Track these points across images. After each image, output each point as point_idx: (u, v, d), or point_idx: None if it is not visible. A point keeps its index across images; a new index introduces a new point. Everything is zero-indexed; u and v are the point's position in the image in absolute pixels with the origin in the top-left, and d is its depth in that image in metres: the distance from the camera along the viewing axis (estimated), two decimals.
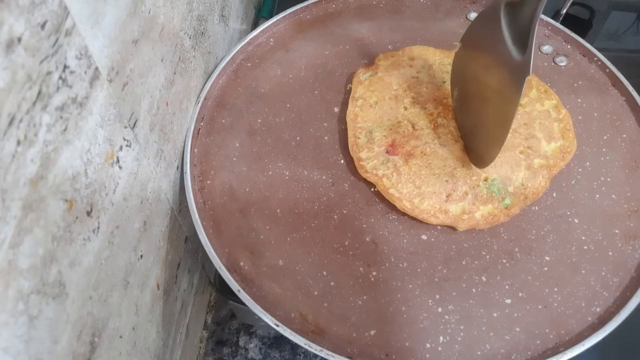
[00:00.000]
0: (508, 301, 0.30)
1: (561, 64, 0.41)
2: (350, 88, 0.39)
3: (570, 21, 0.59)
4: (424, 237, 0.33)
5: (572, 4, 0.56)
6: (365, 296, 0.31)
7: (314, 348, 0.29)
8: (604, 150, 0.37)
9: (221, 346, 0.48)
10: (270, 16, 0.52)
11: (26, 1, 0.16)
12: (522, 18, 0.29)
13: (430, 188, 0.33)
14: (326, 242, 0.32)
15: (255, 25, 0.57)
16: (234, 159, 0.36)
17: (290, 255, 0.32)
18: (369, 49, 0.42)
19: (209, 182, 0.35)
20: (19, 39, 0.16)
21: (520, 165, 0.34)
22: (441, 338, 0.30)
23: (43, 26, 0.18)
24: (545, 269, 0.32)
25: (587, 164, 0.36)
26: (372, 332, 0.30)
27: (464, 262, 0.32)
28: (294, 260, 0.32)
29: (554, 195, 0.34)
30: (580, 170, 0.36)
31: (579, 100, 0.39)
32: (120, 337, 0.27)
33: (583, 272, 0.31)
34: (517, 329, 0.30)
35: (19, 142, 0.17)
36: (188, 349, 0.43)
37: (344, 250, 0.32)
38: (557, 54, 0.42)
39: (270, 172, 0.35)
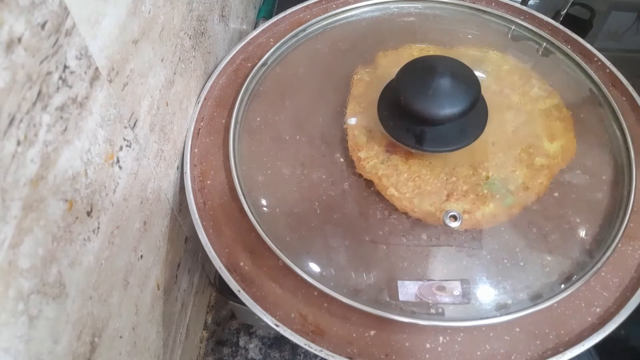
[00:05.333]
0: (508, 301, 0.30)
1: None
2: (350, 87, 0.39)
3: (570, 21, 0.59)
4: (424, 237, 0.33)
5: (572, 4, 0.56)
6: (365, 296, 0.31)
7: (314, 348, 0.29)
8: (604, 149, 0.37)
9: (221, 346, 0.48)
10: (270, 16, 0.52)
11: (26, 1, 0.16)
12: None
13: (430, 187, 0.33)
14: (325, 242, 0.32)
15: (255, 25, 0.57)
16: (234, 158, 0.36)
17: (290, 255, 0.32)
18: (369, 48, 0.42)
19: (209, 182, 0.35)
20: (19, 39, 0.16)
21: (521, 164, 0.34)
22: (441, 338, 0.30)
23: (43, 26, 0.18)
24: (547, 269, 0.32)
25: (588, 163, 0.36)
26: (372, 332, 0.30)
27: (464, 262, 0.32)
28: (294, 260, 0.32)
29: (555, 194, 0.34)
30: (581, 169, 0.36)
31: (580, 100, 0.39)
32: (121, 337, 0.27)
33: (583, 272, 0.31)
34: (517, 329, 0.30)
35: (19, 142, 0.17)
36: (188, 349, 0.43)
37: (344, 250, 0.32)
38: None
39: (269, 172, 0.35)
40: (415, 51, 0.40)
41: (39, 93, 0.18)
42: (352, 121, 0.36)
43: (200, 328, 0.48)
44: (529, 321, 0.30)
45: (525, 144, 0.35)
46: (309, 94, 0.39)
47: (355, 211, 0.34)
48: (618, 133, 0.37)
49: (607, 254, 0.32)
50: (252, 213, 0.33)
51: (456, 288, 0.31)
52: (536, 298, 0.30)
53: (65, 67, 0.19)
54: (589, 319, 0.30)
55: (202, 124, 0.37)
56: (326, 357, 0.28)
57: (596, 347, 0.29)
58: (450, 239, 0.33)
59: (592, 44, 0.42)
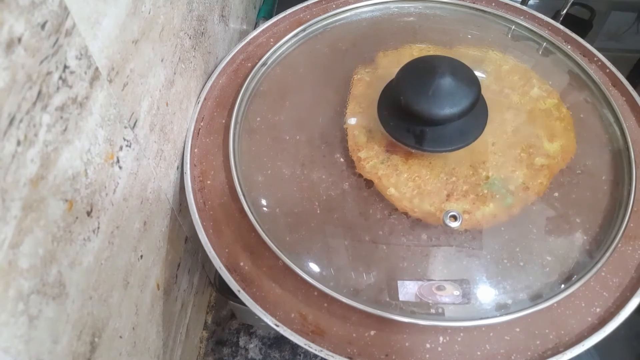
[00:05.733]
0: (508, 301, 0.30)
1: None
2: (350, 87, 0.39)
3: (570, 21, 0.59)
4: (424, 237, 0.33)
5: (572, 4, 0.56)
6: (365, 296, 0.31)
7: (313, 348, 0.29)
8: (604, 149, 0.37)
9: (221, 346, 0.48)
10: (270, 16, 0.52)
11: (26, 1, 0.16)
12: None
13: (430, 187, 0.33)
14: (325, 242, 0.32)
15: (255, 25, 0.57)
16: (234, 158, 0.36)
17: (290, 255, 0.32)
18: (369, 48, 0.42)
19: (209, 182, 0.35)
20: (19, 39, 0.16)
21: (521, 164, 0.34)
22: (441, 338, 0.30)
23: (43, 26, 0.18)
24: (547, 269, 0.32)
25: (588, 163, 0.36)
26: (372, 332, 0.30)
27: (464, 262, 0.32)
28: (294, 260, 0.32)
29: (555, 194, 0.34)
30: (581, 169, 0.36)
31: (580, 100, 0.39)
32: (121, 337, 0.27)
33: (583, 272, 0.31)
34: (517, 329, 0.30)
35: (19, 142, 0.17)
36: (188, 349, 0.43)
37: (344, 250, 0.32)
38: None
39: (269, 172, 0.35)
40: (415, 51, 0.40)
41: (39, 93, 0.18)
42: (352, 121, 0.36)
43: (200, 328, 0.48)
44: (529, 321, 0.30)
45: (525, 144, 0.35)
46: (309, 94, 0.39)
47: (355, 211, 0.34)
48: (618, 133, 0.37)
49: (607, 254, 0.32)
50: (252, 213, 0.33)
51: (456, 288, 0.31)
52: (536, 298, 0.30)
53: (65, 67, 0.19)
54: (589, 319, 0.30)
55: (202, 124, 0.37)
56: (326, 357, 0.28)
57: (596, 347, 0.29)
58: (450, 239, 0.33)
59: (592, 44, 0.42)
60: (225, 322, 0.50)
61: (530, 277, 0.31)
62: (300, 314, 0.30)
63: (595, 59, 0.42)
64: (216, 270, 0.31)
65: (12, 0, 0.16)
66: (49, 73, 0.18)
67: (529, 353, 0.29)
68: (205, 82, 0.39)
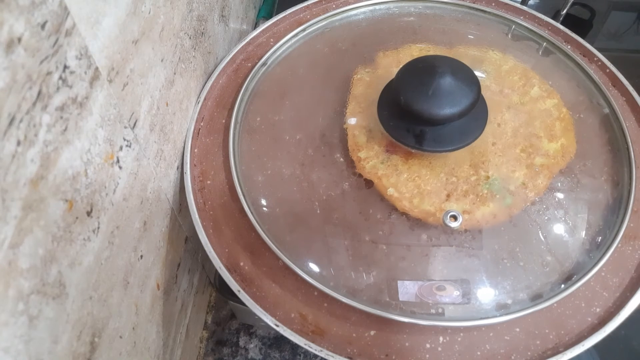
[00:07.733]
0: (508, 301, 0.30)
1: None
2: (350, 87, 0.39)
3: (570, 21, 0.59)
4: (424, 237, 0.33)
5: (572, 4, 0.57)
6: (365, 296, 0.31)
7: (313, 348, 0.29)
8: (604, 149, 0.37)
9: (221, 346, 0.48)
10: (270, 16, 0.52)
11: (26, 1, 0.16)
12: None
13: (430, 187, 0.33)
14: (325, 242, 0.32)
15: (255, 25, 0.57)
16: (234, 158, 0.36)
17: (290, 255, 0.32)
18: (369, 48, 0.42)
19: (209, 182, 0.35)
20: (19, 39, 0.16)
21: (521, 164, 0.34)
22: (441, 338, 0.30)
23: (43, 26, 0.18)
24: (547, 269, 0.32)
25: (588, 163, 0.36)
26: (372, 332, 0.30)
27: (464, 262, 0.32)
28: (294, 260, 0.32)
29: (555, 194, 0.34)
30: (581, 169, 0.36)
31: (580, 100, 0.39)
32: (120, 337, 0.27)
33: (583, 272, 0.31)
34: (517, 329, 0.30)
35: (19, 142, 0.17)
36: (188, 349, 0.43)
37: (344, 250, 0.32)
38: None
39: (269, 172, 0.35)
40: (415, 51, 0.40)
41: (39, 93, 0.18)
42: (352, 121, 0.36)
43: (200, 328, 0.48)
44: (529, 321, 0.30)
45: (525, 144, 0.35)
46: (309, 94, 0.39)
47: (355, 211, 0.34)
48: (618, 133, 0.37)
49: (607, 254, 0.32)
50: (252, 213, 0.33)
51: (456, 288, 0.31)
52: (536, 298, 0.30)
53: (65, 67, 0.19)
54: (589, 319, 0.30)
55: (202, 124, 0.37)
56: (326, 357, 0.29)
57: (596, 347, 0.29)
58: (450, 239, 0.33)
59: (592, 44, 0.42)
60: (225, 322, 0.50)
61: (530, 277, 0.31)
62: (300, 314, 0.30)
63: (595, 59, 0.42)
64: (216, 270, 0.31)
65: (12, 0, 0.16)
66: (49, 73, 0.18)
67: (529, 353, 0.29)
68: (205, 82, 0.39)
